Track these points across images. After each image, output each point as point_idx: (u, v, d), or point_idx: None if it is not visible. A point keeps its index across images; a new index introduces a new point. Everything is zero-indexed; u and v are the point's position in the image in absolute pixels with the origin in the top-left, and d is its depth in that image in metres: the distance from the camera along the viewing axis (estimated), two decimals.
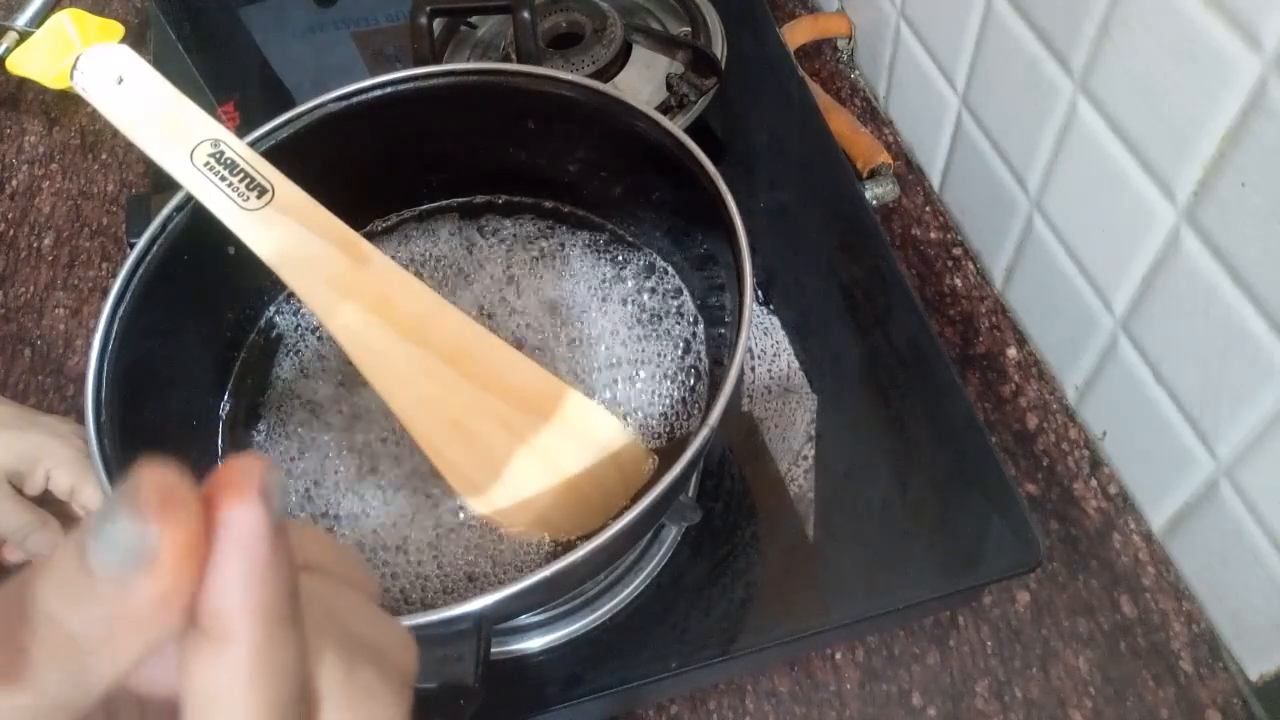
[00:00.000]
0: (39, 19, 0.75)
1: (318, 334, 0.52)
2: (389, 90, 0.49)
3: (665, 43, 0.67)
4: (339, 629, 0.20)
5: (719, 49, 0.67)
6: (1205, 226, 0.43)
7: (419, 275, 0.49)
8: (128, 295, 0.44)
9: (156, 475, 0.16)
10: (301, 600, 0.18)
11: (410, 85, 0.50)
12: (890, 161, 0.68)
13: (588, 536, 0.36)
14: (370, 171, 0.52)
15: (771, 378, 0.56)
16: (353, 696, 0.19)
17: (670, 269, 0.52)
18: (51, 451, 0.50)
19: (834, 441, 0.54)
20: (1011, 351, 0.61)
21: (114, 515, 0.16)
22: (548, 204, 0.55)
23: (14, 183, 0.76)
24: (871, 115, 0.73)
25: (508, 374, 0.43)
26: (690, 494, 0.51)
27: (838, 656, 0.52)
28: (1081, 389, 0.58)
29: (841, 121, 0.70)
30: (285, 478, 0.45)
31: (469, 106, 0.51)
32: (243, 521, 0.17)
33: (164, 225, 0.45)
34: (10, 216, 0.74)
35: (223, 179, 0.41)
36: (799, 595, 0.50)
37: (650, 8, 0.72)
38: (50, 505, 0.51)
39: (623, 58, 0.67)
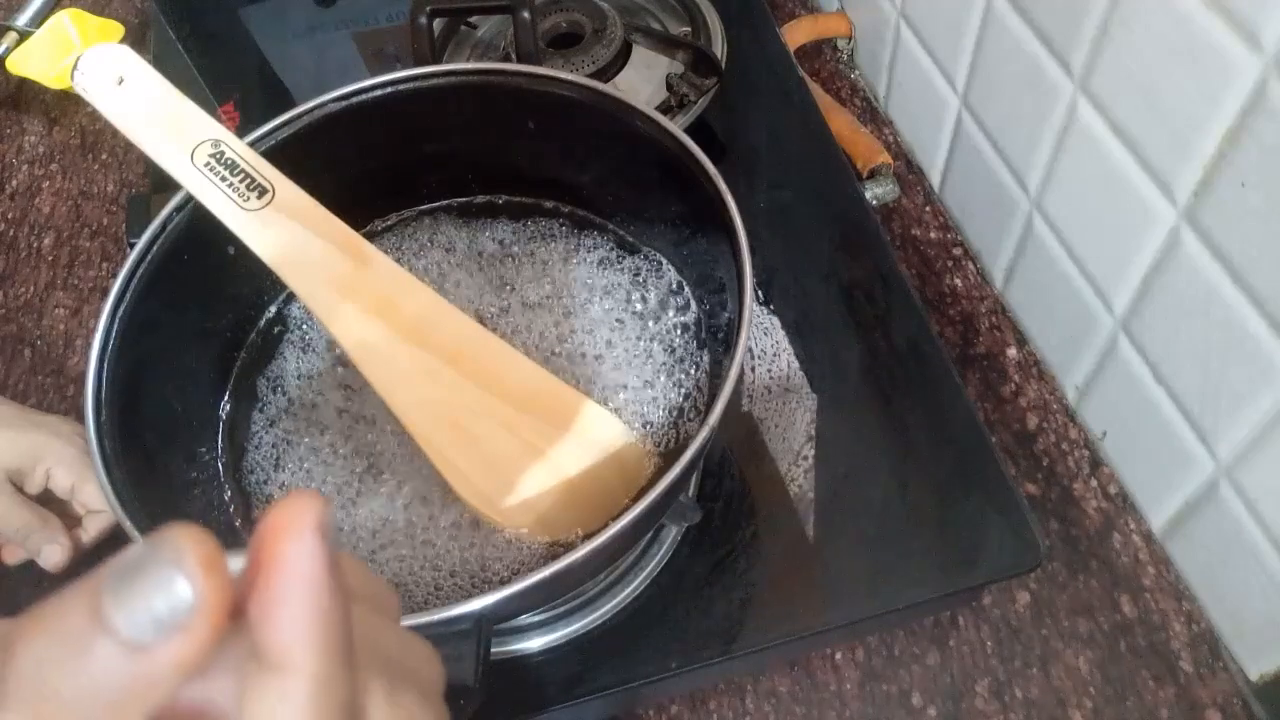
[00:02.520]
0: (39, 19, 0.75)
1: (318, 334, 0.52)
2: (389, 90, 0.49)
3: (665, 43, 0.67)
4: (380, 657, 0.20)
5: (719, 49, 0.67)
6: (1205, 226, 0.43)
7: (419, 276, 0.49)
8: (128, 295, 0.44)
9: (195, 536, 0.16)
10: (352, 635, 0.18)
11: (410, 85, 0.50)
12: (890, 161, 0.68)
13: (588, 536, 0.36)
14: (370, 171, 0.52)
15: (771, 378, 0.56)
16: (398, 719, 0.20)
17: (670, 269, 0.52)
18: (52, 451, 0.50)
19: (834, 441, 0.54)
20: (1011, 351, 0.61)
21: (146, 576, 0.15)
22: (548, 204, 0.55)
23: (14, 183, 0.76)
24: (871, 115, 0.73)
25: (508, 375, 0.43)
26: (690, 494, 0.51)
27: (838, 656, 0.52)
28: (1081, 389, 0.58)
29: (841, 121, 0.70)
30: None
31: (469, 106, 0.51)
32: (304, 558, 0.17)
33: (164, 225, 0.45)
34: (10, 216, 0.74)
35: (223, 179, 0.41)
36: (799, 595, 0.50)
37: (650, 8, 0.72)
38: (51, 504, 0.51)
39: (623, 58, 0.67)
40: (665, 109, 0.64)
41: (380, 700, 0.19)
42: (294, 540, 0.17)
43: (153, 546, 0.15)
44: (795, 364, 0.56)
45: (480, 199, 0.56)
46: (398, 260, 0.47)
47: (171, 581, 0.15)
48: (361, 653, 0.19)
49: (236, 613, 0.17)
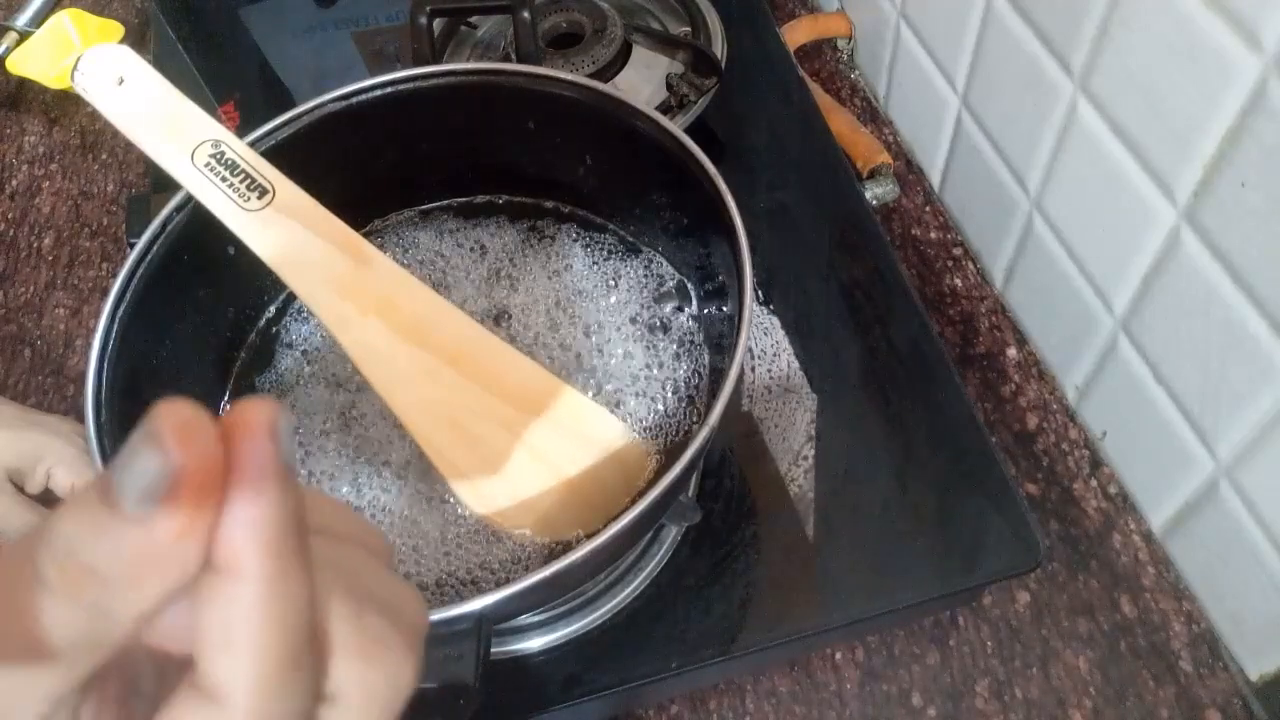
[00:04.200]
0: (39, 19, 0.75)
1: (318, 334, 0.52)
2: (389, 90, 0.49)
3: (665, 43, 0.67)
4: (347, 579, 0.20)
5: (719, 49, 0.67)
6: (1205, 226, 0.43)
7: (419, 276, 0.49)
8: (128, 295, 0.44)
9: (175, 410, 0.16)
10: (310, 548, 0.18)
11: (410, 85, 0.50)
12: (890, 161, 0.68)
13: (588, 536, 0.36)
14: (370, 171, 0.52)
15: (771, 378, 0.56)
16: (364, 644, 0.19)
17: (670, 269, 0.52)
18: (52, 450, 0.50)
19: (834, 441, 0.54)
20: (1011, 351, 0.61)
21: (135, 450, 0.16)
22: (548, 204, 0.55)
23: (14, 183, 0.76)
24: (871, 115, 0.73)
25: (508, 375, 0.43)
26: (690, 494, 0.51)
27: (838, 656, 0.52)
28: (1081, 389, 0.58)
29: (841, 121, 0.70)
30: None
31: (469, 106, 0.51)
32: (254, 458, 0.17)
33: (164, 225, 0.45)
34: (10, 216, 0.74)
35: (223, 179, 0.41)
36: (799, 595, 0.50)
37: (650, 8, 0.72)
38: (52, 504, 0.51)
39: (623, 58, 0.67)
40: (665, 109, 0.64)
41: (345, 617, 0.19)
42: (245, 442, 0.17)
43: (143, 425, 0.16)
44: (795, 364, 0.57)
45: (480, 199, 0.56)
46: (398, 260, 0.47)
47: (151, 453, 0.16)
48: (327, 572, 0.19)
49: None
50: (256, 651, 0.17)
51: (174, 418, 0.16)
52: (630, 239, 0.53)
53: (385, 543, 0.24)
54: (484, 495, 0.43)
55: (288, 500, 0.17)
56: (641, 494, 0.36)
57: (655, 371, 0.49)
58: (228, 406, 0.50)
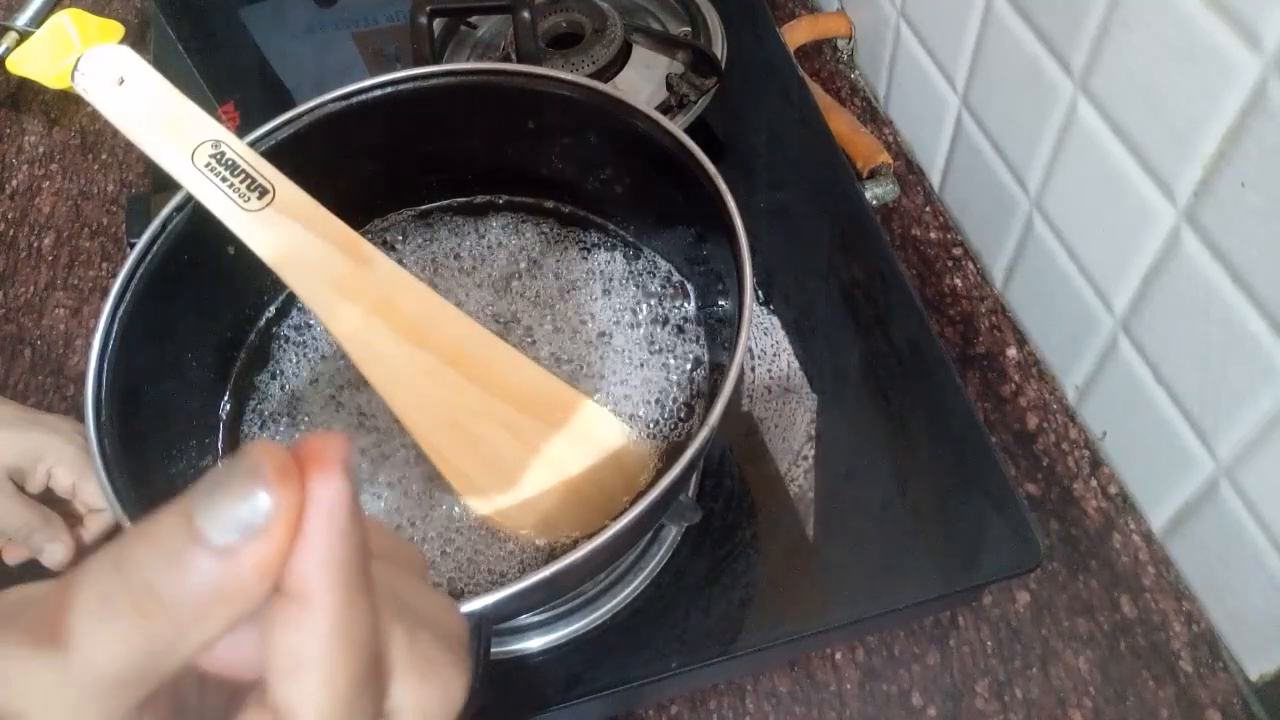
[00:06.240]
0: (39, 19, 0.75)
1: (318, 334, 0.52)
2: (389, 90, 0.49)
3: (665, 43, 0.67)
4: (398, 603, 0.21)
5: (719, 49, 0.67)
6: (1205, 226, 0.43)
7: (419, 276, 0.49)
8: (128, 295, 0.44)
9: (270, 449, 0.17)
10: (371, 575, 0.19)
11: (410, 85, 0.50)
12: (890, 161, 0.68)
13: (588, 536, 0.36)
14: (370, 171, 0.52)
15: (771, 378, 0.56)
16: (419, 663, 0.20)
17: (670, 269, 0.52)
18: (53, 449, 0.50)
19: (834, 441, 0.54)
20: (1011, 351, 0.61)
21: (230, 486, 0.17)
22: (548, 204, 0.55)
23: (14, 183, 0.76)
24: (871, 115, 0.73)
25: (508, 375, 0.43)
26: (690, 494, 0.51)
27: (838, 656, 0.52)
28: (1081, 389, 0.58)
29: (841, 121, 0.70)
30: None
31: (469, 106, 0.51)
32: (329, 492, 0.18)
33: (164, 225, 0.45)
34: (10, 216, 0.74)
35: (223, 180, 0.41)
36: (799, 595, 0.50)
37: (650, 8, 0.72)
38: (53, 504, 0.51)
39: (623, 58, 0.67)
40: (665, 109, 0.64)
41: (401, 640, 0.20)
42: (319, 476, 0.18)
43: (235, 463, 0.17)
44: (795, 364, 0.57)
45: (480, 199, 0.56)
46: (398, 260, 0.47)
47: (252, 490, 0.17)
48: (382, 597, 0.20)
49: None
50: (327, 676, 0.18)
51: (276, 457, 0.17)
52: (630, 239, 0.53)
53: (419, 556, 0.24)
54: (484, 495, 0.43)
55: (358, 532, 0.18)
56: (641, 494, 0.36)
57: (655, 371, 0.49)
58: (227, 406, 0.50)
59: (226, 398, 0.50)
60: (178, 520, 0.17)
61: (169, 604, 0.17)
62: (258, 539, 0.17)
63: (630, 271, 0.52)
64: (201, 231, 0.43)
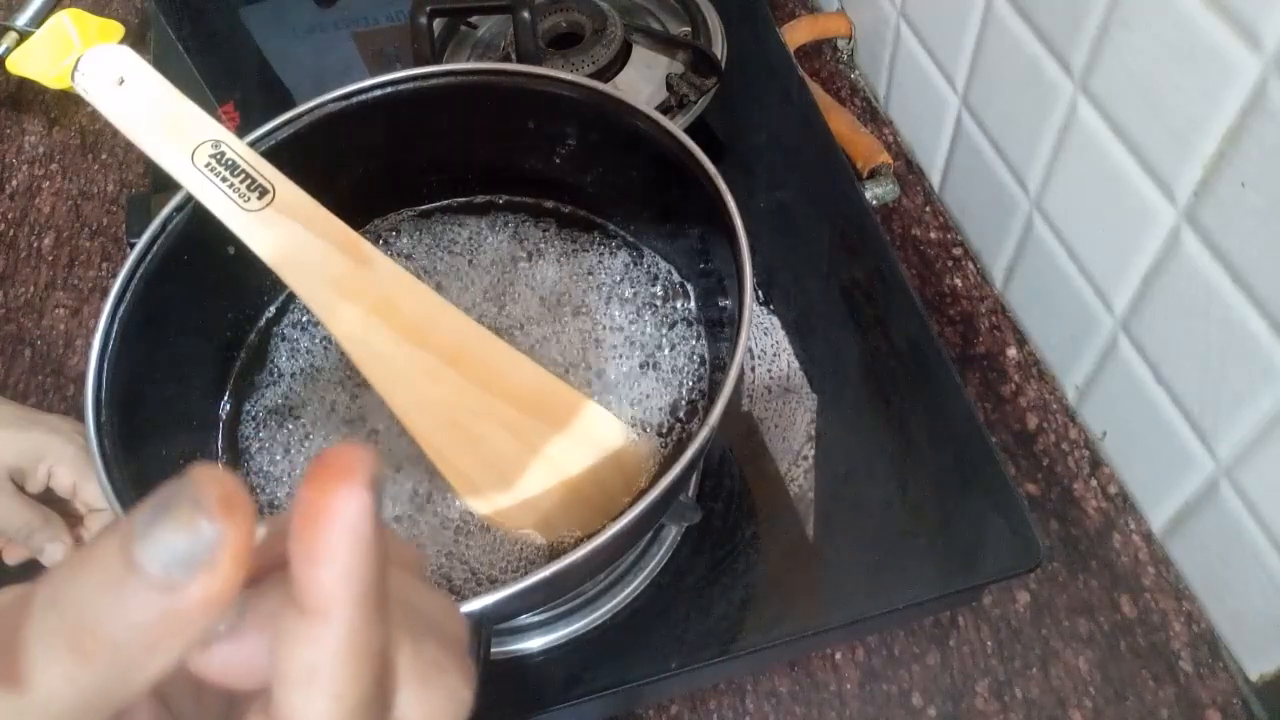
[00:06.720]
0: (39, 19, 0.75)
1: (318, 334, 0.52)
2: (389, 90, 0.49)
3: (665, 43, 0.67)
4: (404, 609, 0.20)
5: (719, 49, 0.67)
6: (1205, 226, 0.43)
7: (419, 276, 0.49)
8: (128, 295, 0.44)
9: (215, 476, 0.16)
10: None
11: (410, 85, 0.50)
12: (890, 161, 0.68)
13: (588, 536, 0.36)
14: (370, 171, 0.52)
15: (771, 378, 0.56)
16: (425, 670, 0.20)
17: (670, 269, 0.52)
18: (53, 449, 0.50)
19: (834, 441, 0.54)
20: (1011, 351, 0.61)
21: (170, 517, 0.16)
22: (548, 204, 0.55)
23: (14, 183, 0.76)
24: (871, 115, 0.73)
25: (509, 375, 0.43)
26: (690, 494, 0.51)
27: (838, 656, 0.52)
28: (1081, 389, 0.58)
29: (841, 121, 0.70)
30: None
31: (469, 106, 0.51)
32: (353, 506, 0.17)
33: (164, 225, 0.45)
34: (10, 216, 0.74)
35: (223, 180, 0.41)
36: (799, 595, 0.50)
37: (650, 8, 0.72)
38: (53, 504, 0.51)
39: (623, 58, 0.67)
40: (665, 109, 0.64)
41: (407, 651, 0.20)
42: (343, 490, 0.17)
43: (176, 488, 0.16)
44: (795, 364, 0.57)
45: (480, 199, 0.56)
46: (397, 261, 0.47)
47: (193, 521, 0.16)
48: (392, 608, 0.19)
49: (276, 565, 0.18)
50: (339, 690, 0.17)
51: (219, 487, 0.16)
52: (630, 239, 0.53)
53: (419, 556, 0.24)
54: (484, 495, 0.43)
55: (380, 547, 0.18)
56: (641, 494, 0.36)
57: (655, 371, 0.49)
58: (227, 406, 0.50)
59: (226, 397, 0.50)
60: (114, 551, 0.16)
61: (110, 641, 0.16)
62: (202, 572, 0.16)
63: (630, 271, 0.52)
64: (201, 231, 0.43)
